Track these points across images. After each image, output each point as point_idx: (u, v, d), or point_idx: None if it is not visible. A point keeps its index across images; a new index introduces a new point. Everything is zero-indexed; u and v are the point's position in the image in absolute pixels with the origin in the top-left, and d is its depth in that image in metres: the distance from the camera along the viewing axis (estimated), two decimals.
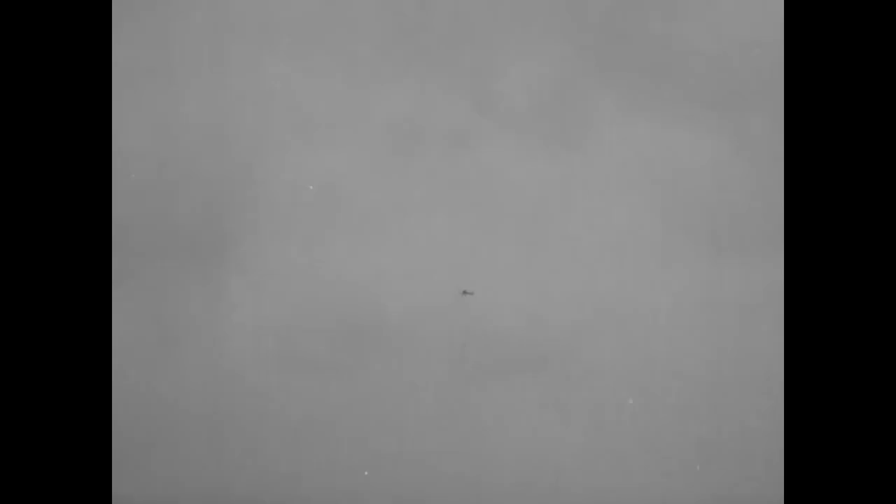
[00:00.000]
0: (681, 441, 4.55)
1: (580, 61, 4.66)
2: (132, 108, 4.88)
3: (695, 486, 4.58)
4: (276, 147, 5.01)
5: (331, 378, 4.89)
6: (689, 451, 4.50)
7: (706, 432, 4.57)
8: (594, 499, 4.62)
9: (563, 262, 4.82)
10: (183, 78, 4.96)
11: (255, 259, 4.95)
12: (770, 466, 4.80)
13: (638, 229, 4.65)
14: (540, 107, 4.73)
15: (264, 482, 4.72)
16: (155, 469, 4.64)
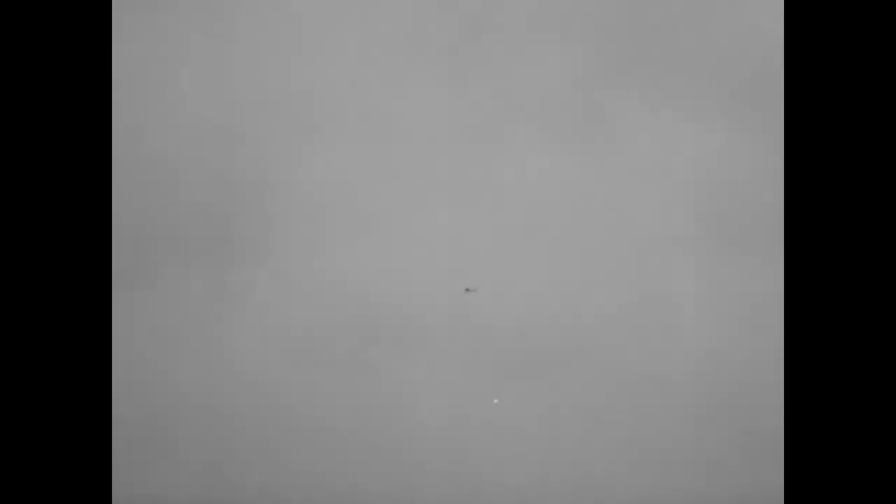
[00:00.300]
0: (730, 444, 4.48)
1: (611, 61, 4.62)
2: (148, 109, 4.84)
3: (742, 486, 4.51)
4: (293, 147, 4.98)
5: (349, 376, 4.85)
6: (740, 451, 4.43)
7: (753, 433, 4.49)
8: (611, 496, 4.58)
9: (595, 261, 4.78)
10: (200, 79, 4.93)
11: (272, 260, 4.92)
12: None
13: (662, 226, 4.61)
14: (563, 104, 4.69)
15: (287, 478, 4.68)
16: (186, 464, 4.60)
